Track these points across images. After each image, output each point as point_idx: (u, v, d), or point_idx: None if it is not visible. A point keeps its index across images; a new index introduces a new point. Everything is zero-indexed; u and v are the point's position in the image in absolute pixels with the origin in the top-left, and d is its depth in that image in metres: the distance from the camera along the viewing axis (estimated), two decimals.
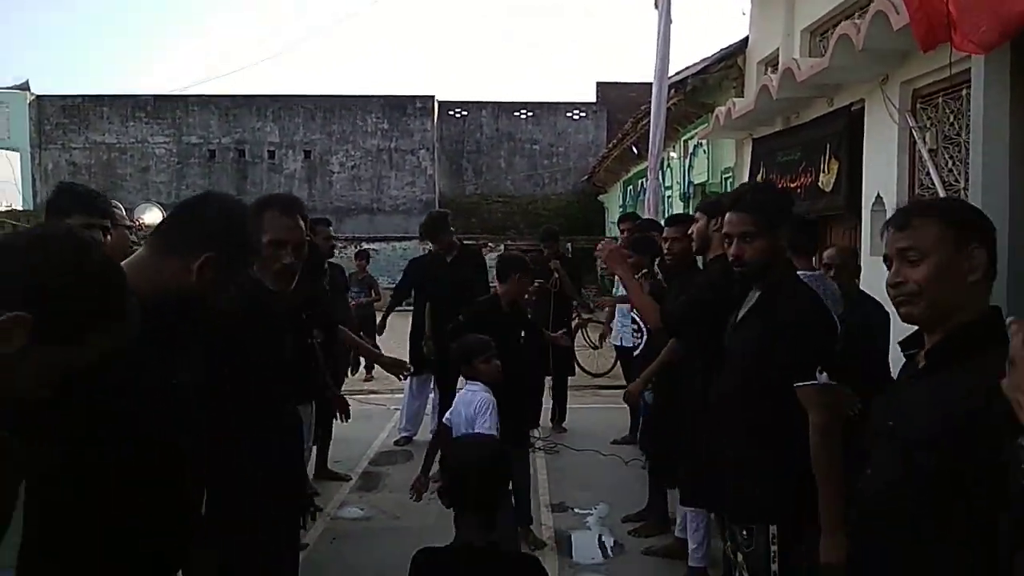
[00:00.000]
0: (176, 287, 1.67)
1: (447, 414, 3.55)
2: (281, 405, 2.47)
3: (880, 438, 1.64)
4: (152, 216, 13.61)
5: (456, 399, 3.50)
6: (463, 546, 2.02)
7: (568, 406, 7.02)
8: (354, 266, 10.08)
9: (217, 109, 24.48)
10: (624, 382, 6.85)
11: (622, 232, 6.34)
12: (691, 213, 10.29)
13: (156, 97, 24.73)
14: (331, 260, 5.98)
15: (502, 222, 24.56)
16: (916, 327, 1.64)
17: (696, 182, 9.92)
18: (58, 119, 24.29)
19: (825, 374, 2.21)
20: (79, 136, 24.30)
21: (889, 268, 1.63)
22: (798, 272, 2.80)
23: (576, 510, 4.91)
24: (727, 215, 2.48)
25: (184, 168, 24.42)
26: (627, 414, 6.28)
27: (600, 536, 4.50)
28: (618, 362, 7.33)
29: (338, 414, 4.24)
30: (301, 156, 24.59)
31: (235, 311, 2.27)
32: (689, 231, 3.65)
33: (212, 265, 1.66)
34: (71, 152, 24.29)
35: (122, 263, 1.56)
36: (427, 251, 6.85)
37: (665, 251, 4.01)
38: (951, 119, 4.39)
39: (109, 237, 2.67)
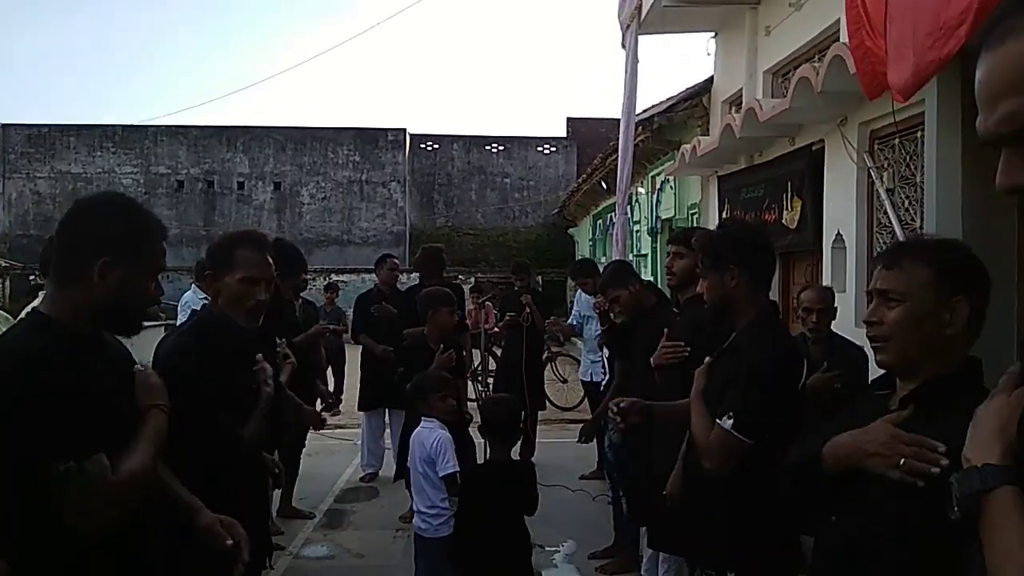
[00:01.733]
0: (93, 304, 1.67)
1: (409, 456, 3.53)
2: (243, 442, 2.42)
3: (844, 485, 1.59)
4: None
5: (413, 437, 3.47)
6: (495, 460, 3.17)
7: (537, 440, 6.98)
8: (323, 298, 10.04)
9: (186, 140, 24.36)
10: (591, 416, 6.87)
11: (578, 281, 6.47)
12: (657, 248, 10.37)
13: (124, 127, 24.54)
14: (305, 297, 5.92)
15: (473, 254, 24.61)
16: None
17: (664, 217, 10.05)
18: (23, 148, 23.98)
19: (731, 421, 2.16)
20: (44, 166, 23.99)
21: (868, 304, 1.60)
22: None
23: (544, 547, 4.86)
24: None
25: (152, 199, 24.12)
26: (595, 449, 6.28)
27: (567, 574, 4.46)
28: (586, 397, 7.33)
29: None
30: (271, 187, 24.50)
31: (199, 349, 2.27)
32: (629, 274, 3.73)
33: (110, 267, 1.65)
34: (36, 182, 23.95)
35: (31, 306, 1.71)
36: (374, 285, 6.70)
37: (614, 314, 3.97)
38: (907, 159, 4.52)
39: None
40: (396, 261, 6.52)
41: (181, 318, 5.35)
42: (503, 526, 2.92)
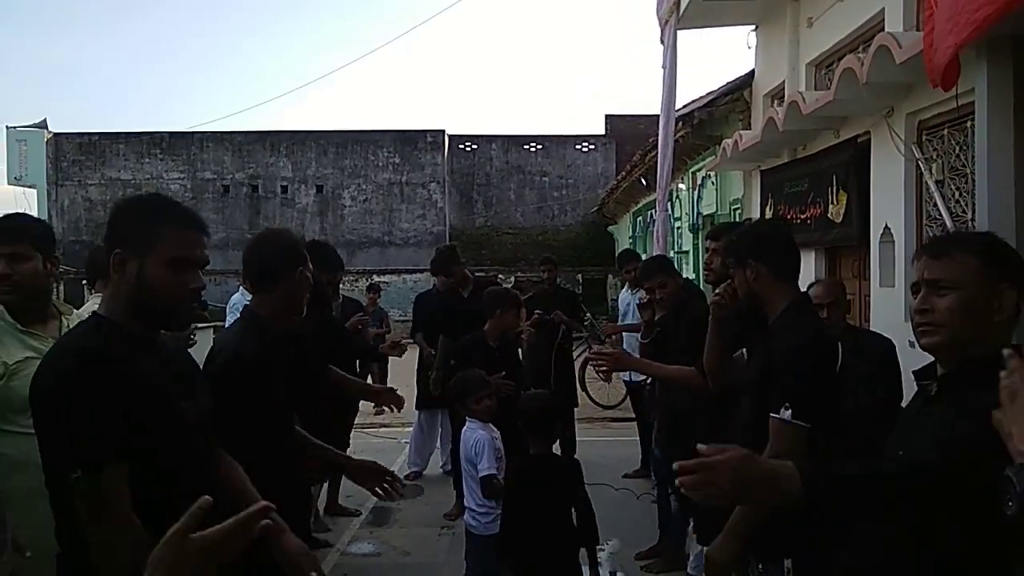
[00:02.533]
0: (125, 299, 1.71)
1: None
2: (287, 439, 2.47)
3: None
4: None
5: (461, 438, 3.51)
6: (535, 454, 3.12)
7: (579, 438, 6.98)
8: (365, 299, 10.15)
9: (231, 145, 24.87)
10: (634, 415, 6.84)
11: (626, 272, 6.41)
12: (698, 245, 10.29)
13: (171, 134, 25.16)
14: (346, 295, 5.99)
15: (512, 254, 24.66)
16: (931, 358, 1.64)
17: (705, 213, 9.95)
18: (75, 156, 24.74)
19: (789, 411, 2.19)
20: (95, 173, 24.71)
21: (915, 295, 1.63)
22: None
23: None
24: None
25: (198, 203, 24.68)
26: (638, 447, 6.25)
27: (612, 572, 4.45)
28: (628, 396, 7.30)
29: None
30: (313, 191, 24.88)
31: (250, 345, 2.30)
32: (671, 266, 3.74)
33: (125, 258, 1.68)
34: (87, 188, 24.68)
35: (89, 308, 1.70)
36: (433, 285, 6.77)
37: (659, 301, 3.99)
38: (957, 151, 4.41)
39: None
40: (462, 262, 6.57)
41: (230, 320, 5.47)
42: (548, 521, 2.94)
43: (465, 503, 3.46)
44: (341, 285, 5.70)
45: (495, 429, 3.41)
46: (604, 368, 3.57)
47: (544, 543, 2.91)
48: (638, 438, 6.55)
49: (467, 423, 3.45)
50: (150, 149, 24.85)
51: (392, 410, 3.90)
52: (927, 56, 3.44)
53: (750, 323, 2.61)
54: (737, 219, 8.38)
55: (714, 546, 2.23)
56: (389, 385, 8.80)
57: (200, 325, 6.54)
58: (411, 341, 6.57)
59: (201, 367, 2.27)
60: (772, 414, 2.23)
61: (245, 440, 2.15)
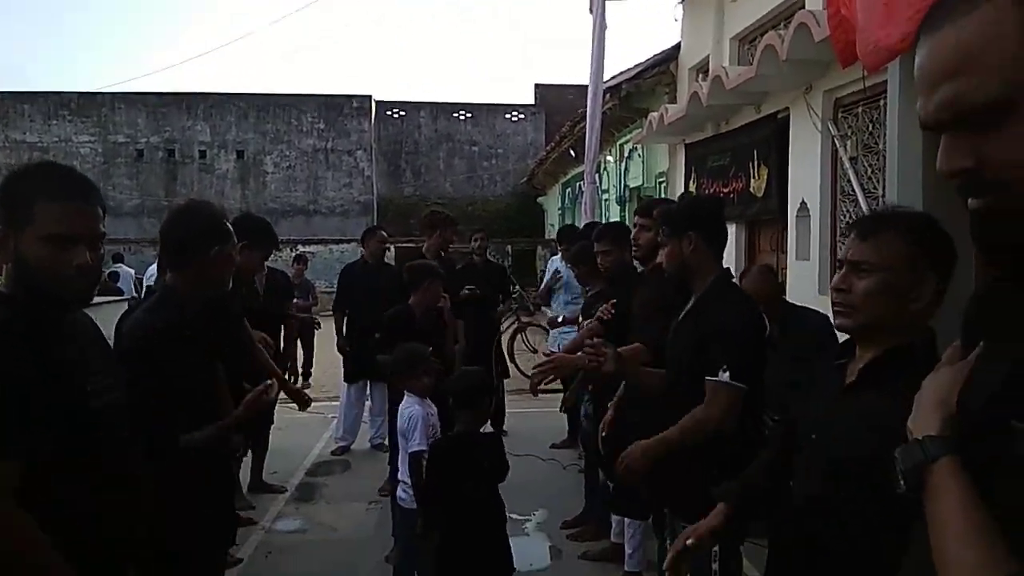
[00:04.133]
0: (13, 277, 1.61)
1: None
2: (205, 414, 2.39)
3: (802, 452, 1.66)
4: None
5: (398, 411, 3.48)
6: (461, 432, 3.07)
7: (508, 410, 7.03)
8: (292, 270, 9.92)
9: (145, 107, 23.75)
10: (562, 387, 6.91)
11: (561, 246, 6.43)
12: (625, 217, 10.42)
13: (80, 94, 23.83)
14: (270, 266, 5.81)
15: None
16: (848, 338, 1.66)
17: (632, 186, 10.07)
18: None
19: (728, 373, 2.30)
20: None
21: (839, 271, 1.63)
22: None
23: (515, 515, 4.91)
24: None
25: (111, 168, 23.60)
26: (565, 418, 6.33)
27: (538, 542, 4.52)
28: None
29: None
30: (233, 156, 24.05)
31: (158, 329, 2.21)
32: (629, 237, 3.74)
33: (4, 235, 1.58)
34: None
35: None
36: (360, 256, 6.65)
37: (600, 264, 4.03)
38: (870, 128, 4.56)
39: None
40: (384, 234, 6.43)
41: (147, 291, 5.26)
42: (470, 498, 2.95)
43: (399, 476, 3.44)
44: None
45: (432, 405, 3.39)
46: (551, 378, 3.25)
47: (466, 520, 2.92)
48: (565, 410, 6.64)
49: (405, 397, 3.42)
50: (57, 110, 23.49)
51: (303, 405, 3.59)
52: (834, 38, 3.53)
53: (682, 294, 2.66)
54: (663, 193, 8.51)
55: (630, 452, 2.39)
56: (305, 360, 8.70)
57: (112, 299, 6.27)
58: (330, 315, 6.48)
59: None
60: (709, 377, 2.33)
61: (160, 417, 2.08)
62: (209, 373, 2.41)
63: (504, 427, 6.91)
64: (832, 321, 1.70)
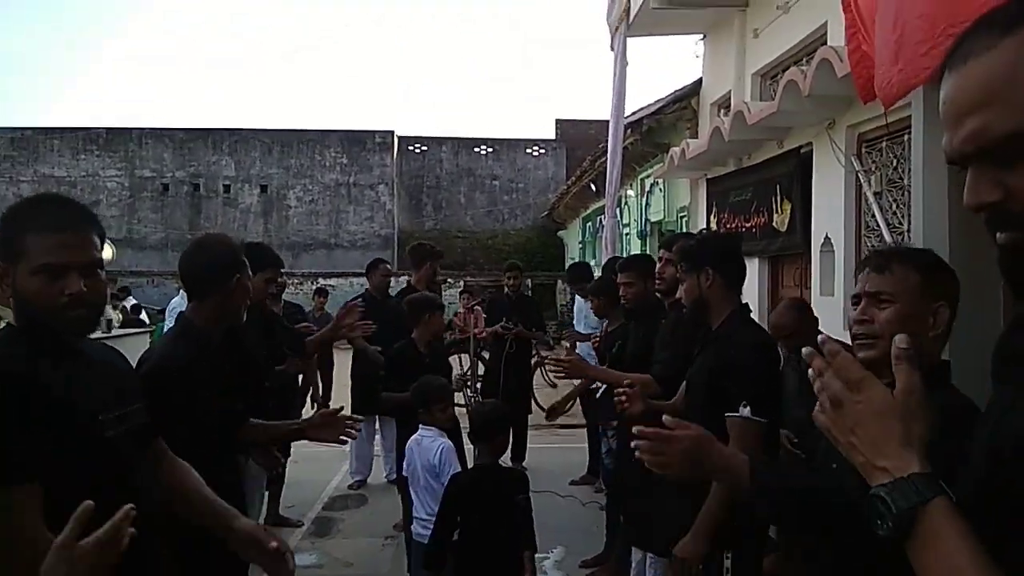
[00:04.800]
0: (15, 311, 1.62)
1: (404, 464, 3.49)
2: (221, 456, 2.38)
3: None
4: (103, 253, 13.17)
5: (409, 445, 3.43)
6: (482, 464, 3.09)
7: (528, 445, 6.96)
8: (313, 303, 9.98)
9: (171, 142, 24.23)
10: (584, 421, 6.85)
11: (572, 286, 6.46)
12: (647, 252, 10.42)
13: (108, 130, 24.37)
14: (287, 299, 5.84)
15: (462, 257, 24.59)
16: None
17: (653, 220, 10.05)
18: (6, 151, 23.80)
19: (748, 408, 2.31)
20: (28, 169, 23.81)
21: (855, 307, 1.66)
22: None
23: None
24: None
25: (137, 202, 24.03)
26: (585, 454, 6.24)
27: None
28: (577, 400, 7.29)
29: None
30: (257, 190, 24.40)
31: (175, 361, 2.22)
32: (654, 270, 3.72)
33: (2, 269, 1.59)
34: (19, 185, 23.71)
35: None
36: (365, 290, 6.54)
37: (623, 297, 4.01)
38: (895, 163, 4.52)
39: None
40: (388, 266, 6.43)
41: (168, 323, 5.31)
42: (492, 530, 2.90)
43: (413, 512, 3.39)
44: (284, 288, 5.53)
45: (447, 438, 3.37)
46: (561, 375, 3.64)
47: (485, 554, 2.87)
48: (586, 444, 6.56)
49: (421, 431, 3.38)
50: (86, 145, 24.04)
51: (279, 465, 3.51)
52: (856, 74, 3.52)
53: (699, 328, 2.68)
54: (685, 227, 8.48)
55: (681, 545, 2.33)
56: (324, 393, 8.71)
57: (133, 331, 6.33)
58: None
59: None
60: (729, 413, 2.34)
61: (174, 449, 2.07)
62: (226, 407, 2.41)
63: (524, 463, 6.86)
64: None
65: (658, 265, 3.52)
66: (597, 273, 10.11)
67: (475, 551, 2.89)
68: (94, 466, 1.59)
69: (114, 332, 6.20)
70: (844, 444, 0.92)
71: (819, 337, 1.00)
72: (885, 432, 0.89)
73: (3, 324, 1.70)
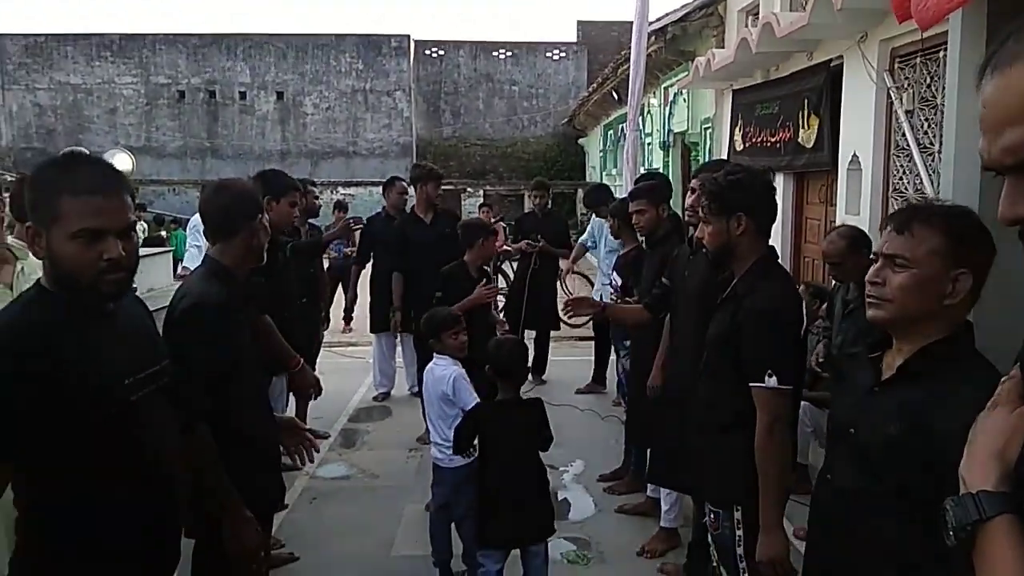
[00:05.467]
0: (49, 272, 1.65)
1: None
2: (253, 387, 2.47)
3: (839, 444, 1.66)
4: (121, 162, 13.17)
5: (426, 373, 3.52)
6: (503, 399, 3.12)
7: (550, 358, 7.10)
8: (332, 217, 10.00)
9: (185, 48, 23.77)
10: (593, 334, 6.93)
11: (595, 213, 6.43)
12: (668, 163, 10.22)
13: (121, 36, 23.91)
14: (312, 224, 5.83)
15: (481, 166, 24.36)
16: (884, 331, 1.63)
17: (676, 131, 9.85)
18: (21, 59, 23.49)
19: (775, 378, 2.17)
20: (43, 76, 23.55)
21: (874, 264, 1.60)
22: None
23: (552, 467, 5.00)
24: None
25: (153, 110, 23.83)
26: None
27: (576, 493, 4.61)
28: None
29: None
30: (273, 97, 24.05)
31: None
32: (666, 196, 3.70)
33: (36, 232, 1.60)
34: (35, 93, 23.58)
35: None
36: (383, 208, 6.42)
37: (636, 225, 3.99)
38: (928, 80, 4.36)
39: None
40: (404, 184, 6.36)
41: (191, 240, 5.33)
42: (518, 460, 3.01)
43: (431, 438, 3.51)
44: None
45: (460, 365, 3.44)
46: (571, 314, 3.74)
47: (514, 480, 2.99)
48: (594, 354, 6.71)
49: (436, 359, 3.46)
50: (100, 51, 23.63)
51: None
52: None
53: (720, 273, 2.56)
54: (709, 139, 8.31)
55: (762, 549, 2.18)
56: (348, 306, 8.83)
57: (156, 251, 6.41)
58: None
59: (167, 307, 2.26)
60: (756, 384, 2.20)
61: (208, 389, 2.15)
62: (254, 342, 2.48)
63: (544, 376, 7.01)
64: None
65: (690, 198, 3.20)
66: (617, 185, 9.99)
67: (507, 484, 2.99)
68: (119, 431, 1.65)
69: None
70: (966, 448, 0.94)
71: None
72: (983, 446, 0.92)
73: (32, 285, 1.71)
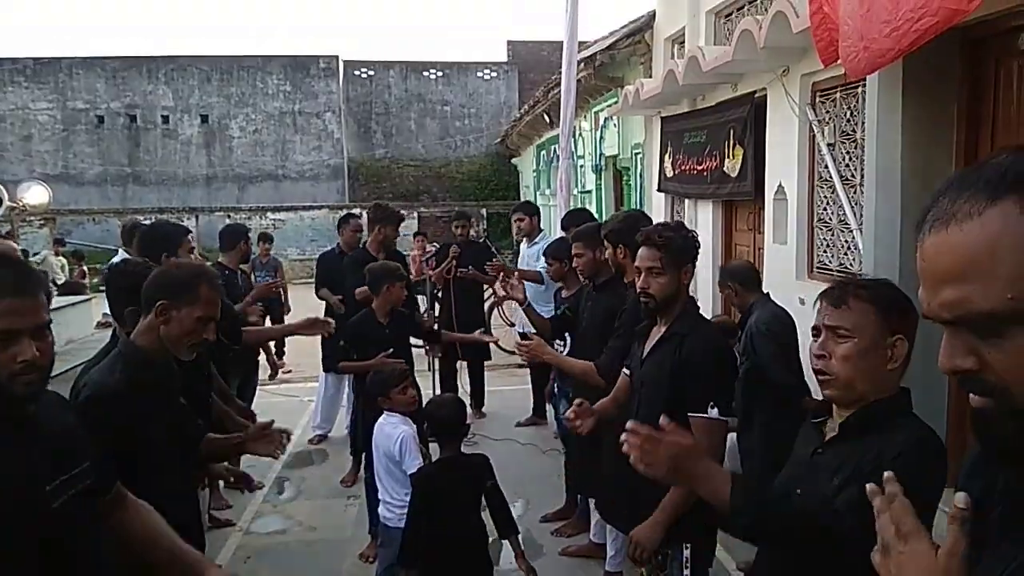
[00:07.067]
0: None
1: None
2: (169, 473, 2.32)
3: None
4: (36, 195, 12.51)
5: (376, 429, 3.41)
6: (447, 457, 3.04)
7: (487, 388, 7.02)
8: (257, 249, 9.74)
9: (104, 72, 22.99)
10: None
11: (518, 220, 6.36)
12: (601, 186, 10.29)
13: (36, 60, 22.97)
14: (217, 262, 5.63)
15: (415, 186, 24.20)
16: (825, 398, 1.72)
17: (608, 154, 9.95)
18: None
19: (716, 409, 2.39)
20: None
21: (815, 339, 1.69)
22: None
23: None
24: (640, 249, 2.54)
25: (71, 136, 22.93)
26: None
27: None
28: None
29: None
30: (198, 121, 23.45)
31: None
32: (589, 252, 3.69)
33: None
34: None
35: None
36: (337, 245, 6.48)
37: (574, 265, 3.95)
38: (848, 115, 4.49)
39: None
40: (360, 222, 6.26)
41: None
42: (459, 520, 2.92)
43: (380, 496, 3.40)
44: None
45: (412, 423, 3.34)
46: (525, 358, 3.72)
47: (455, 544, 2.90)
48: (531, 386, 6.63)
49: (386, 416, 3.35)
50: (12, 77, 22.64)
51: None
52: (816, 36, 3.46)
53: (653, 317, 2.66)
54: (640, 164, 8.41)
55: (639, 530, 2.38)
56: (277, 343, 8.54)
57: (75, 300, 6.09)
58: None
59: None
60: (696, 413, 2.38)
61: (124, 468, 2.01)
62: (177, 417, 2.34)
63: (483, 409, 6.92)
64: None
65: (576, 260, 3.67)
66: (552, 205, 9.98)
67: (447, 542, 2.91)
68: (40, 538, 1.53)
69: (54, 303, 5.91)
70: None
71: (885, 474, 0.97)
72: None
73: None
